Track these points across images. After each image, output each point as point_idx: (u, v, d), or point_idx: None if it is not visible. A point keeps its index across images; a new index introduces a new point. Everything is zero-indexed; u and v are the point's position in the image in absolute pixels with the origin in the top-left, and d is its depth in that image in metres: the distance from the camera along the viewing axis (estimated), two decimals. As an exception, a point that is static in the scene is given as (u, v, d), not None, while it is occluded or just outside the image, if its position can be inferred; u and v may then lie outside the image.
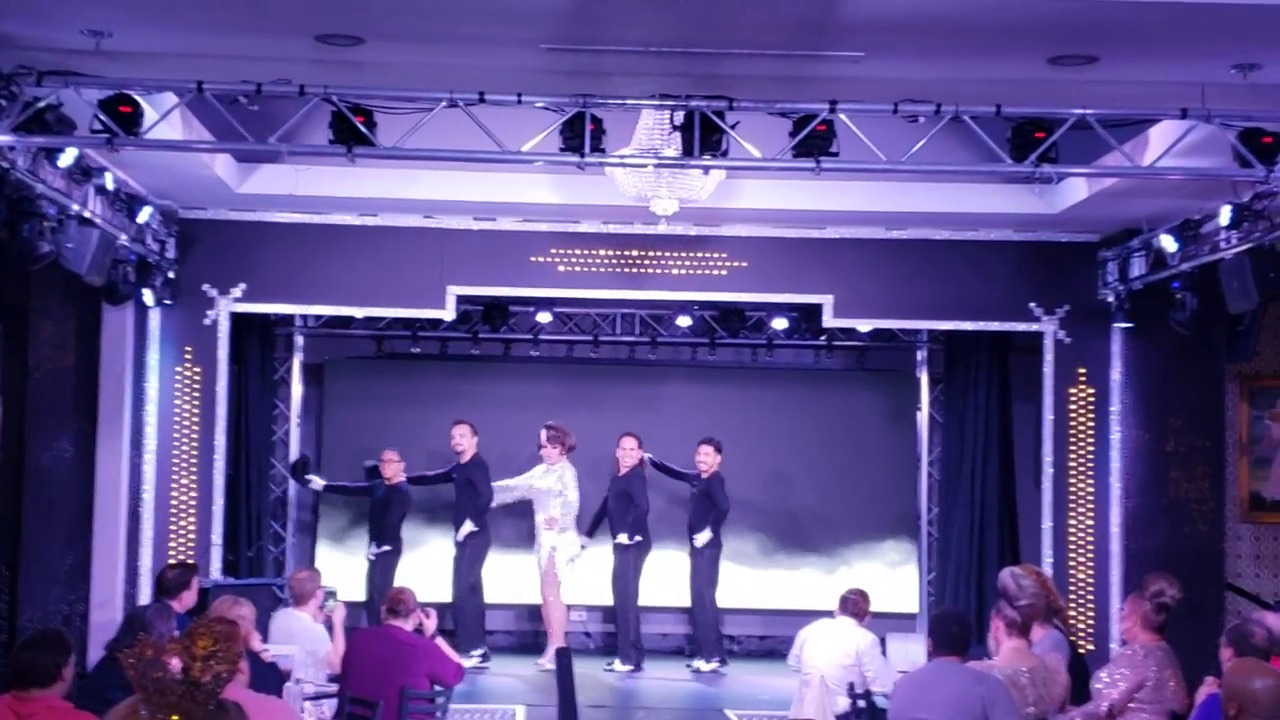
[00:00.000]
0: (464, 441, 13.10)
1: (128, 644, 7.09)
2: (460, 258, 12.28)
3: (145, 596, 11.01)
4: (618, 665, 12.88)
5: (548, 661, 12.58)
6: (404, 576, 12.81)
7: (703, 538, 13.03)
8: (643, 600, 13.26)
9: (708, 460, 13.17)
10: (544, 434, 13.05)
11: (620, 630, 13.12)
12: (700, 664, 13.05)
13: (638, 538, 12.97)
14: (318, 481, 13.74)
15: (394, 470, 13.28)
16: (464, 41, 8.28)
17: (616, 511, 13.09)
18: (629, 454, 13.13)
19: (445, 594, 12.88)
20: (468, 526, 12.90)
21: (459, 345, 14.76)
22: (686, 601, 13.44)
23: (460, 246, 12.29)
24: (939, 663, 6.81)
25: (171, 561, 10.54)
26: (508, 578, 13.66)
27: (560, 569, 12.90)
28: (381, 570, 13.05)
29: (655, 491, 13.42)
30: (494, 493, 13.10)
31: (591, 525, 13.40)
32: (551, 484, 12.99)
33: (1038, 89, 8.69)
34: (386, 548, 13.12)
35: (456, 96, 8.65)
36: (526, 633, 14.35)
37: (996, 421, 13.94)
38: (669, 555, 13.63)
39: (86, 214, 9.90)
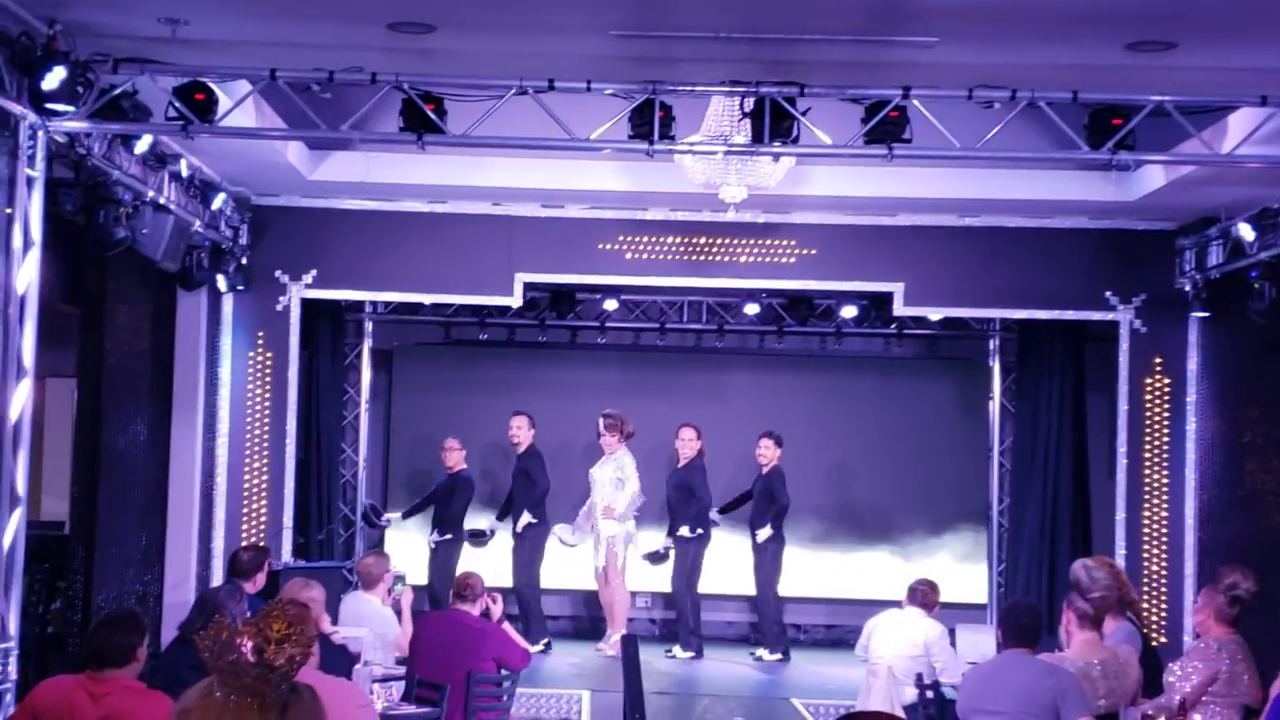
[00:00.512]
0: (521, 433, 13.12)
1: (200, 625, 7.20)
2: (528, 245, 12.30)
3: (218, 578, 11.13)
4: (678, 652, 12.87)
5: (608, 647, 12.61)
6: (465, 565, 12.90)
7: (764, 534, 12.99)
8: (706, 588, 13.26)
9: (767, 454, 13.12)
10: (602, 422, 13.05)
11: (680, 618, 13.12)
12: (763, 653, 13.03)
13: (699, 530, 12.94)
14: (393, 517, 13.85)
15: (456, 458, 13.32)
16: (534, 29, 8.28)
17: (677, 504, 13.06)
18: (688, 445, 13.09)
19: (506, 582, 12.90)
20: (526, 518, 12.92)
21: (526, 332, 14.81)
22: (749, 590, 13.42)
23: (528, 234, 12.31)
24: (1009, 654, 6.75)
25: (245, 544, 10.64)
26: (565, 563, 13.65)
27: (621, 556, 12.89)
28: (442, 558, 13.12)
29: (716, 482, 13.35)
30: (550, 484, 13.12)
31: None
32: (611, 473, 12.98)
33: (1115, 75, 8.57)
34: (448, 535, 13.18)
35: (526, 84, 8.66)
36: (583, 618, 14.38)
37: (1070, 411, 13.78)
38: (733, 542, 13.60)
39: (161, 200, 10.00)
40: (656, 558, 13.30)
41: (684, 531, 12.94)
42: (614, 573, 12.92)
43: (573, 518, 13.32)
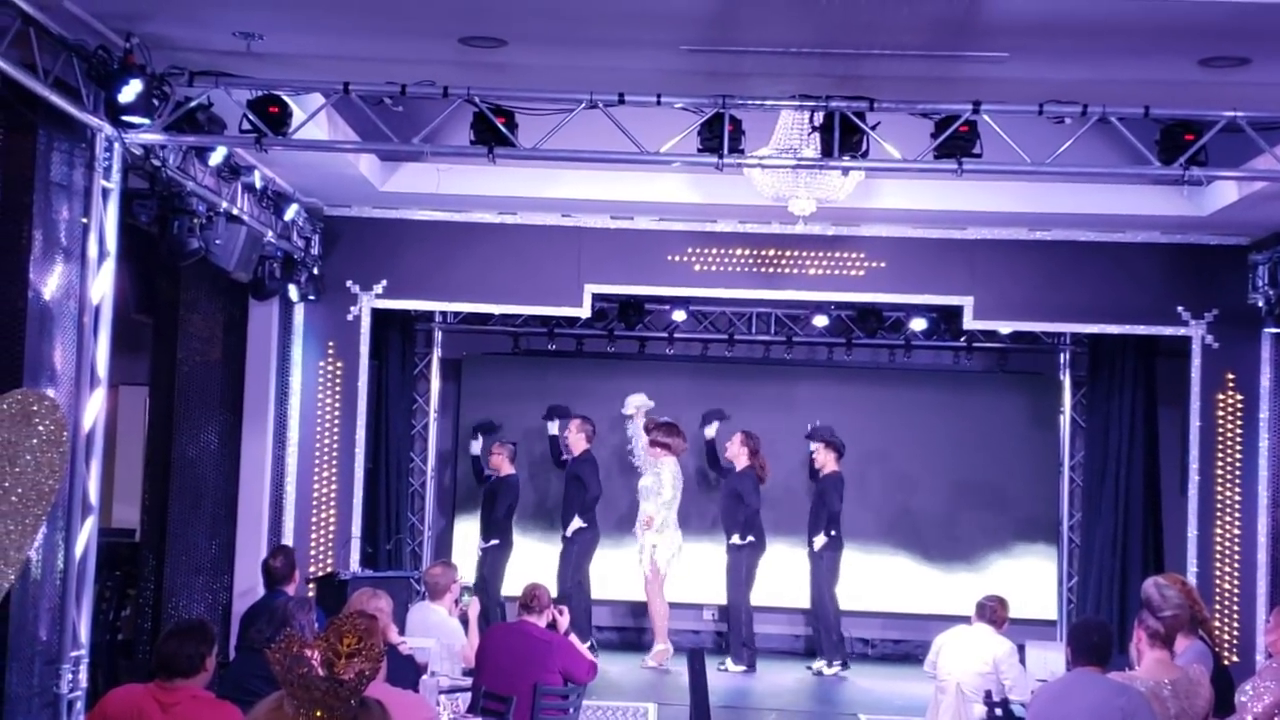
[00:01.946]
0: (575, 437, 13.14)
1: (269, 635, 7.27)
2: (597, 256, 12.33)
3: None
4: (730, 665, 12.82)
5: (652, 659, 12.61)
6: (513, 570, 12.95)
7: (819, 541, 12.93)
8: (762, 600, 13.23)
9: (820, 458, 13.07)
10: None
11: (732, 630, 13.06)
12: (821, 666, 12.96)
13: (750, 538, 12.89)
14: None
15: (501, 463, 13.34)
16: (604, 44, 8.31)
17: (727, 511, 13.05)
18: (738, 452, 13.06)
19: (552, 589, 12.91)
20: (576, 523, 12.92)
21: (594, 343, 14.85)
22: (805, 602, 13.35)
23: (597, 245, 12.34)
24: (1079, 672, 6.69)
25: (274, 549, 10.65)
26: (609, 573, 13.65)
27: (662, 567, 12.86)
28: (490, 564, 13.14)
29: (785, 494, 13.32)
30: (601, 490, 13.12)
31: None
32: (649, 482, 12.97)
33: (1187, 90, 8.50)
34: (495, 541, 13.20)
35: (597, 98, 8.69)
36: (629, 629, 14.37)
37: (1142, 426, 13.66)
38: (792, 553, 13.55)
39: (235, 211, 10.11)
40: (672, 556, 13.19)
41: (735, 539, 12.89)
42: (652, 584, 12.87)
43: (625, 526, 13.34)
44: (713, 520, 13.62)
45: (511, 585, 12.43)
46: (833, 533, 12.93)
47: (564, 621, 9.09)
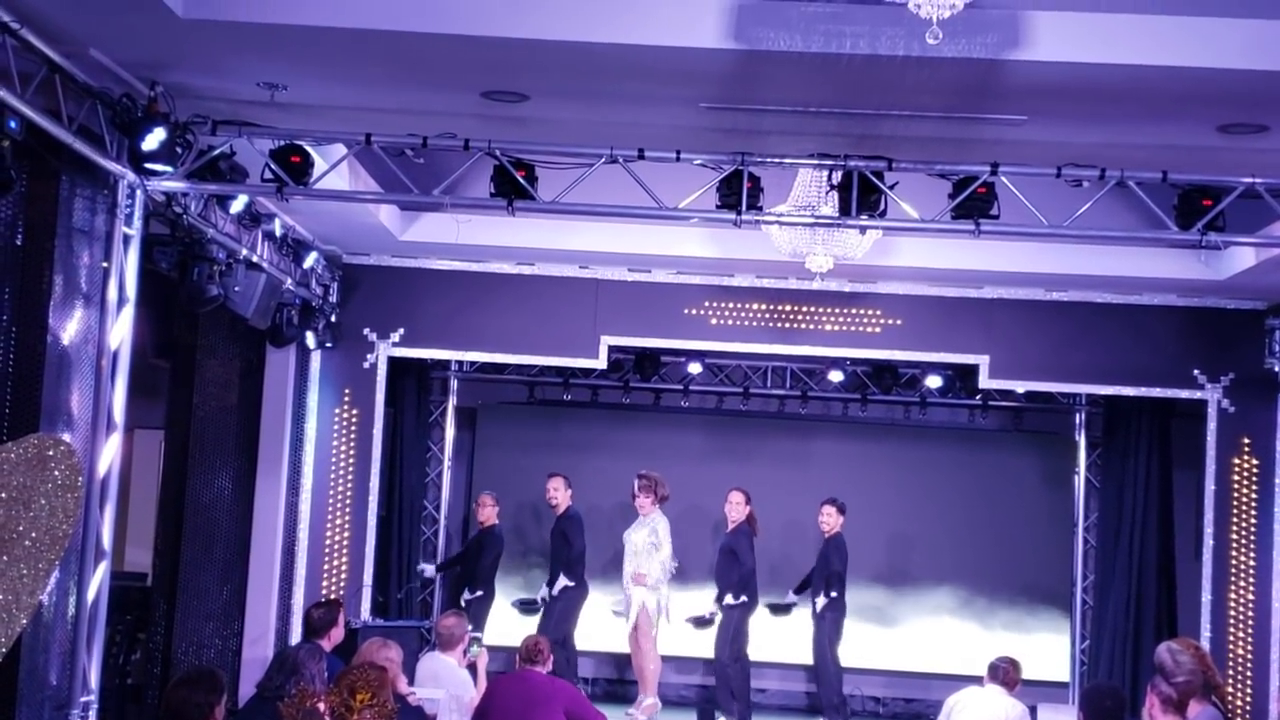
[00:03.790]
0: (558, 494, 12.98)
1: (279, 683, 7.26)
2: (614, 308, 12.37)
3: (297, 634, 11.19)
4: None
5: (639, 712, 12.52)
6: (494, 622, 12.91)
7: (820, 601, 12.82)
8: (768, 656, 13.13)
9: (830, 521, 12.95)
10: (636, 483, 12.73)
11: (721, 684, 12.68)
12: None
13: (743, 597, 12.69)
14: (428, 568, 13.73)
15: (488, 514, 13.24)
16: (625, 100, 8.37)
17: (722, 569, 12.82)
18: (736, 508, 12.86)
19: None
20: (562, 581, 12.77)
21: (610, 393, 14.84)
22: (807, 659, 13.25)
23: (614, 297, 12.38)
24: (1090, 738, 6.66)
25: (319, 601, 10.67)
26: (597, 625, 13.48)
27: (655, 622, 12.71)
28: (473, 616, 13.01)
29: (775, 547, 13.21)
30: (585, 546, 12.93)
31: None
32: (645, 537, 12.63)
33: (1206, 155, 8.54)
34: (479, 593, 13.00)
35: (616, 153, 8.76)
36: (611, 680, 14.26)
37: (1157, 489, 13.61)
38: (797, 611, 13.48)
39: (255, 259, 10.17)
40: (701, 622, 13.07)
41: (729, 599, 12.71)
42: (645, 638, 12.71)
43: (617, 578, 13.28)
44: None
45: (491, 637, 12.27)
46: (833, 594, 12.83)
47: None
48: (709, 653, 13.03)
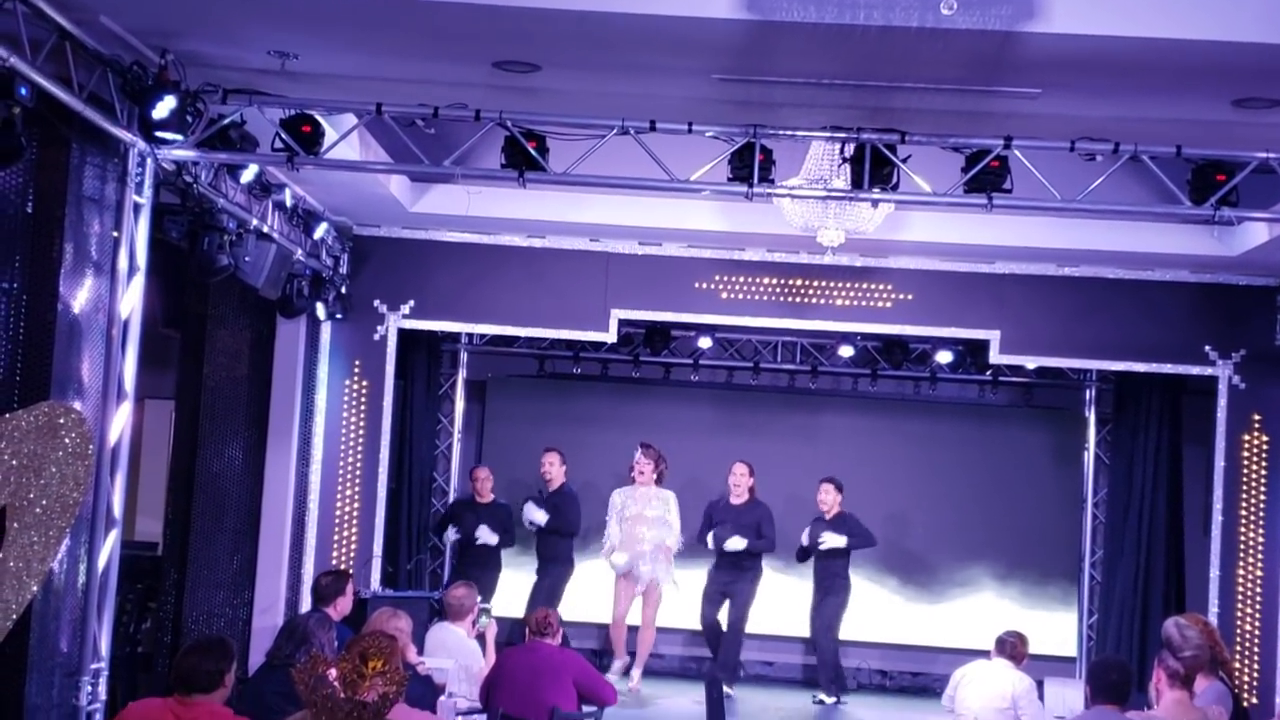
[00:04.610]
0: (553, 469, 13.05)
1: (289, 652, 7.28)
2: (624, 282, 12.35)
3: (307, 603, 11.22)
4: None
5: (637, 684, 12.57)
6: (502, 594, 13.01)
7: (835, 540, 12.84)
8: (767, 629, 13.19)
9: (828, 500, 12.96)
10: (641, 453, 12.84)
11: (728, 650, 12.90)
12: (823, 696, 12.88)
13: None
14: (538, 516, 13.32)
15: (485, 488, 13.30)
16: (637, 71, 8.33)
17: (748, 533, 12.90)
18: (743, 480, 12.92)
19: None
20: (538, 514, 12.90)
21: (620, 367, 14.84)
22: (807, 631, 13.28)
23: (625, 270, 12.35)
24: (1097, 711, 6.67)
25: (326, 570, 10.71)
26: (583, 597, 13.49)
27: (665, 595, 12.80)
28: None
29: (783, 522, 13.20)
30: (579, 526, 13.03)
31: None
32: (660, 512, 12.71)
33: (1220, 130, 8.49)
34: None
35: (628, 124, 8.72)
36: (589, 651, 14.24)
37: (1166, 465, 13.58)
38: (796, 584, 13.47)
39: (265, 229, 10.16)
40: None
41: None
42: (652, 612, 12.81)
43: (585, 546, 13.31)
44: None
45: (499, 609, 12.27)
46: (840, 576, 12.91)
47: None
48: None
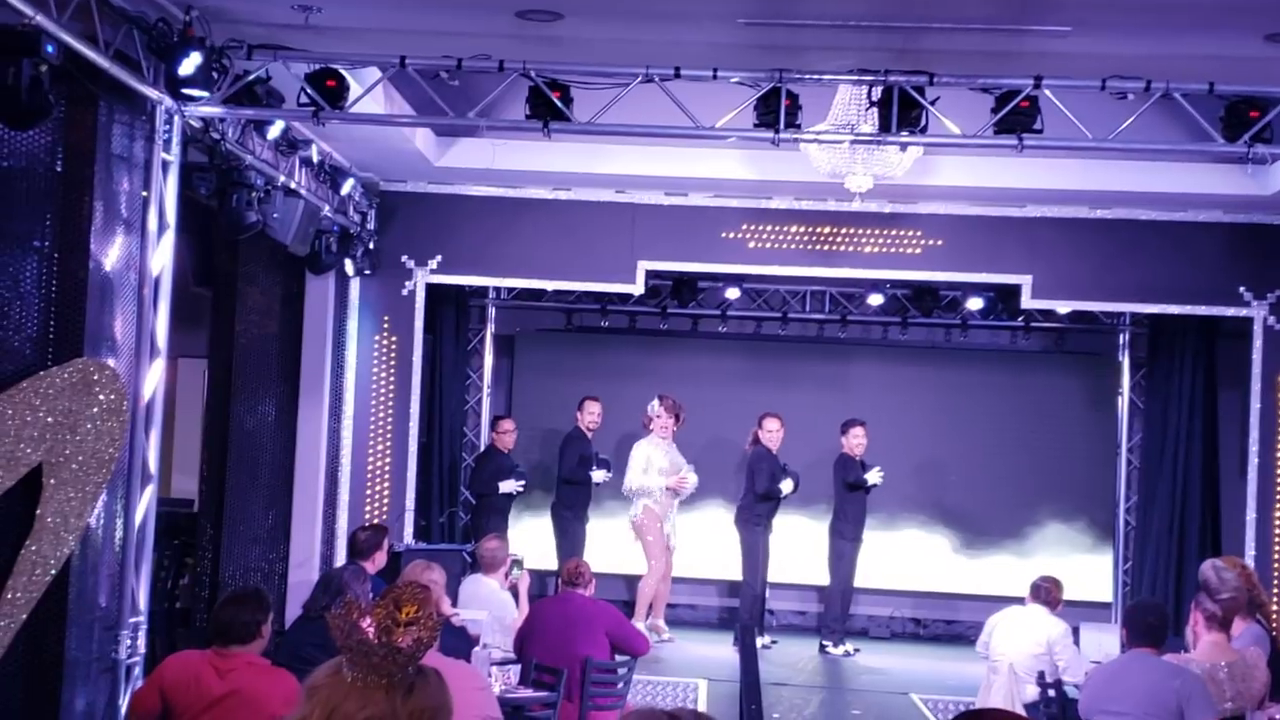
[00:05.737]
0: (599, 418, 13.25)
1: (325, 604, 7.33)
2: (651, 233, 12.30)
3: (340, 557, 11.30)
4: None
5: (666, 633, 12.67)
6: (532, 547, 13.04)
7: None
8: (788, 578, 13.35)
9: (865, 441, 12.92)
10: (659, 404, 12.92)
11: (755, 605, 12.95)
12: (829, 645, 12.87)
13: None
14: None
15: (509, 440, 13.39)
16: (661, 17, 8.28)
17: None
18: (774, 436, 12.90)
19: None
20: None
21: (647, 319, 14.83)
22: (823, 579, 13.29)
23: (651, 221, 12.31)
24: (1134, 654, 6.66)
25: (364, 524, 10.78)
26: (605, 548, 13.50)
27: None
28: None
29: (813, 472, 13.19)
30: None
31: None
32: (674, 461, 12.91)
33: (1253, 66, 8.39)
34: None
35: (653, 71, 8.67)
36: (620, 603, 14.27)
37: (1201, 408, 13.50)
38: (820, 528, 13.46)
39: (292, 185, 10.16)
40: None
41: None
42: (670, 558, 12.94)
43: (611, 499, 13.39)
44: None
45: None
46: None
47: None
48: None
